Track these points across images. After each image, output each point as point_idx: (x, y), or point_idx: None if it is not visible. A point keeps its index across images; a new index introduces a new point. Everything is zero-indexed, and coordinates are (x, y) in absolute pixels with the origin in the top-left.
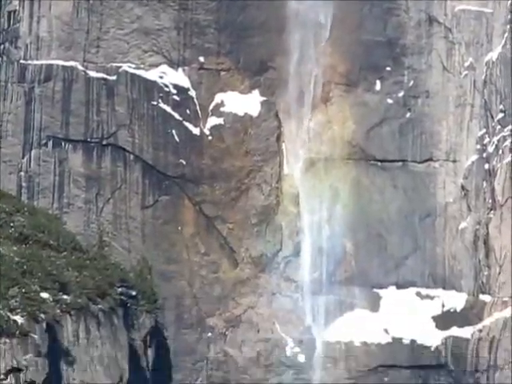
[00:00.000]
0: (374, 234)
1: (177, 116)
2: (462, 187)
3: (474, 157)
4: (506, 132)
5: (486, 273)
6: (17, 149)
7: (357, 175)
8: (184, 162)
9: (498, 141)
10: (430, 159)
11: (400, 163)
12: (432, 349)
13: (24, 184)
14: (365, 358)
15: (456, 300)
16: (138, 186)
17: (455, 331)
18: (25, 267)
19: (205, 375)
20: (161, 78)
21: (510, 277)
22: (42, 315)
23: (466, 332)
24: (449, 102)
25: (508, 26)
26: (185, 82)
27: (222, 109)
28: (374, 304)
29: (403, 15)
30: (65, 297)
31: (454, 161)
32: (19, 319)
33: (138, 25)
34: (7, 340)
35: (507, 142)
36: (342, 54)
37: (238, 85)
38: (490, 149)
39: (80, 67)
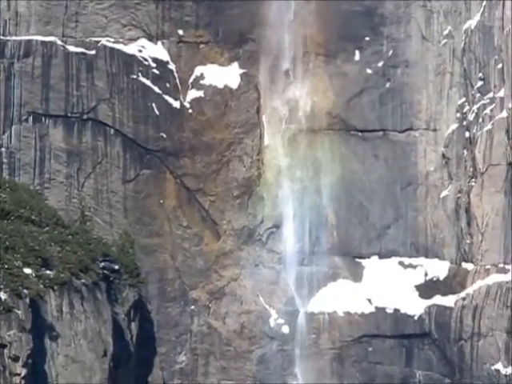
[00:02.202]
0: (356, 204)
1: (157, 89)
2: (443, 156)
3: (455, 125)
4: (485, 100)
5: (468, 241)
6: None
7: (338, 146)
8: (165, 136)
9: (478, 109)
10: (411, 128)
11: (380, 133)
12: (415, 318)
13: (5, 160)
14: (348, 328)
15: (439, 268)
16: (119, 161)
17: (438, 300)
18: (7, 243)
19: (189, 348)
20: (140, 51)
21: (492, 244)
22: (25, 291)
23: (449, 300)
24: (428, 70)
25: None
26: (164, 56)
27: (201, 82)
28: (357, 274)
29: None
30: (48, 272)
31: (435, 130)
32: (2, 295)
33: None
34: None
35: (487, 110)
36: (320, 24)
37: (218, 57)
38: (470, 117)
39: (59, 42)
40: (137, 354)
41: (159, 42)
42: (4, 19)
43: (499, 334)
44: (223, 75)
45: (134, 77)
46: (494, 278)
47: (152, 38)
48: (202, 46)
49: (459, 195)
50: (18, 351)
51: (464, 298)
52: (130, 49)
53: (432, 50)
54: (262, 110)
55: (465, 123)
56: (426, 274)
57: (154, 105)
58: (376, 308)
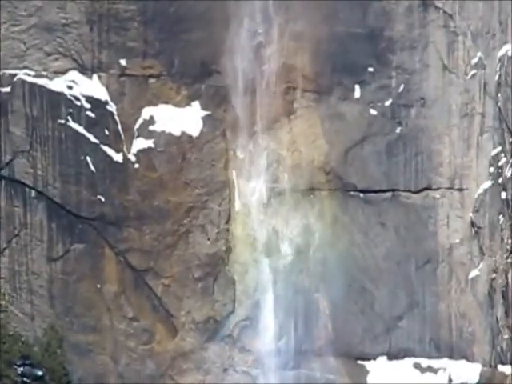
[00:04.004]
0: (357, 288)
1: (92, 138)
2: (472, 224)
3: (487, 183)
4: None
5: (506, 336)
6: None
7: (332, 211)
8: (103, 199)
9: None
10: (429, 188)
11: (389, 194)
12: None
13: None
14: None
15: (467, 373)
16: (42, 232)
17: None
18: None
19: None
20: (70, 88)
21: None
22: None
23: None
24: (451, 111)
25: None
26: (101, 94)
27: (151, 127)
28: (359, 381)
29: None
30: None
31: (461, 189)
32: None
33: (38, 19)
34: None
35: None
36: (308, 51)
37: (173, 95)
38: (508, 172)
39: None
40: None
41: (95, 76)
42: None
43: None
44: (180, 119)
45: (62, 122)
46: None
47: (85, 71)
48: (151, 80)
49: (494, 275)
50: None
51: None
52: (57, 85)
53: (456, 83)
54: (232, 164)
55: (501, 181)
56: (450, 380)
57: (88, 158)
58: None
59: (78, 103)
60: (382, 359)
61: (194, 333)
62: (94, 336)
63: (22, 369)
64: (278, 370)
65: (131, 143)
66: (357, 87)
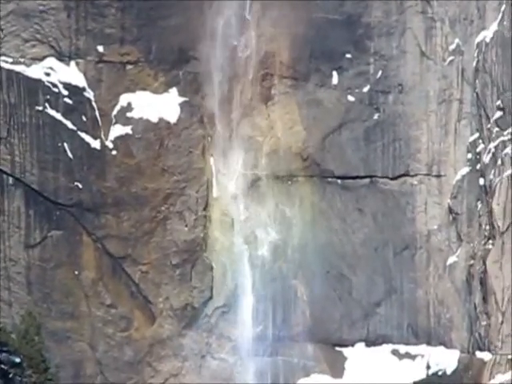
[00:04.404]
0: (335, 274)
1: (70, 125)
2: (450, 210)
3: (465, 169)
4: (505, 136)
5: (484, 322)
6: None
7: (310, 197)
8: (80, 186)
9: (496, 148)
10: (407, 174)
11: (367, 180)
12: None
13: None
14: None
15: (445, 359)
16: (19, 219)
17: None
18: None
19: None
20: (47, 75)
21: None
22: None
23: None
24: (429, 97)
25: None
26: (79, 80)
27: (129, 114)
28: (337, 367)
29: None
30: None
31: (439, 175)
32: None
33: (15, 5)
34: None
35: (508, 150)
36: (286, 37)
37: (150, 82)
38: (486, 158)
39: None
40: None
41: (72, 63)
42: None
43: None
44: (158, 105)
45: (40, 108)
46: None
47: (63, 57)
48: (129, 66)
49: (472, 262)
50: None
51: None
52: (34, 71)
53: (434, 70)
54: (210, 150)
55: (479, 167)
56: (428, 367)
57: (65, 145)
58: None
59: (56, 90)
60: (360, 345)
61: (171, 319)
62: (71, 323)
63: None
64: (256, 356)
65: (109, 130)
66: (334, 73)
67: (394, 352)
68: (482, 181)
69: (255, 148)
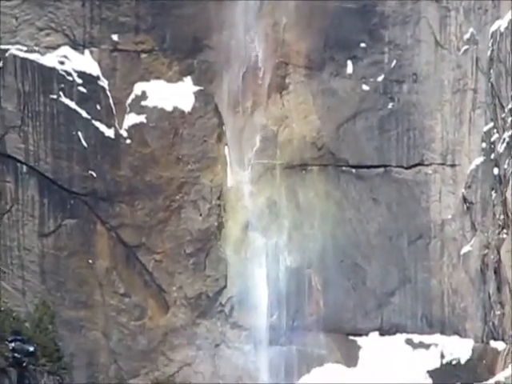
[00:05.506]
0: (349, 264)
1: (84, 113)
2: (464, 199)
3: (480, 159)
4: None
5: (498, 312)
6: None
7: (324, 186)
8: (94, 175)
9: (511, 137)
10: (421, 163)
11: (381, 169)
12: None
13: None
14: None
15: (459, 348)
16: (33, 208)
17: None
18: None
19: None
20: (61, 63)
21: None
22: None
23: None
24: (444, 87)
25: None
26: (93, 69)
27: (143, 103)
28: (351, 356)
29: None
30: None
31: (453, 165)
32: None
33: None
34: None
35: None
36: (300, 26)
37: (165, 71)
38: (500, 148)
39: None
40: None
41: (87, 51)
42: None
43: None
44: (172, 94)
45: (54, 97)
46: None
47: (77, 46)
48: (143, 55)
49: (486, 251)
50: None
51: None
52: (49, 60)
53: (449, 59)
54: (224, 139)
55: (493, 156)
56: (442, 356)
57: (80, 134)
58: None
59: (70, 78)
60: (374, 335)
61: (185, 308)
62: (85, 312)
63: (13, 344)
64: (270, 345)
65: (123, 118)
66: (349, 63)
67: (408, 341)
68: (496, 170)
69: (269, 137)
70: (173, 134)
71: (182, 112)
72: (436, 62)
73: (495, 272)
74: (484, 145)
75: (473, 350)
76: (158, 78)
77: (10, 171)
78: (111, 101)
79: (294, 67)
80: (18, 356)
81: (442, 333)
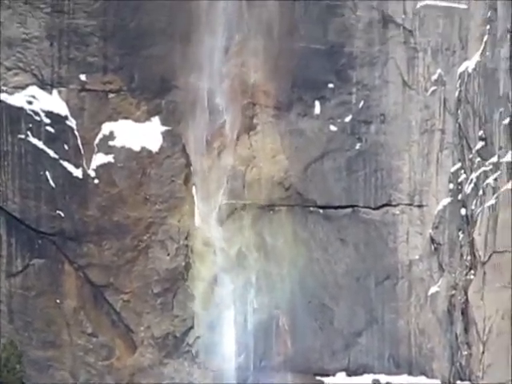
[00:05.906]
0: (317, 304)
1: (52, 153)
2: (432, 240)
3: (447, 200)
4: (487, 166)
5: (465, 352)
6: None
7: (292, 227)
8: (62, 214)
9: (478, 178)
10: (388, 204)
11: (349, 210)
12: None
13: None
14: None
15: None
16: (1, 247)
17: None
18: None
19: None
20: (29, 103)
21: (497, 357)
22: None
23: None
24: (411, 127)
25: (487, 27)
26: (61, 109)
27: (111, 142)
28: None
29: (349, 15)
30: None
31: (420, 205)
32: None
33: None
34: None
35: (490, 180)
36: (268, 67)
37: (133, 110)
38: (468, 189)
39: None
40: None
41: (55, 91)
42: None
43: None
44: (140, 134)
45: (22, 137)
46: None
47: (45, 86)
48: (111, 95)
49: (453, 292)
50: None
51: None
52: (17, 100)
53: (416, 100)
54: (192, 179)
55: (460, 197)
56: None
57: (47, 174)
58: None
59: (38, 118)
60: (341, 375)
61: (153, 348)
62: (53, 351)
63: None
64: None
65: (91, 158)
66: (317, 103)
67: (375, 382)
68: (463, 211)
69: (237, 177)
70: (140, 174)
71: (150, 152)
72: (404, 103)
73: (462, 313)
74: (451, 185)
75: None
76: (126, 117)
77: None
78: (79, 141)
79: (262, 107)
80: None
81: (410, 373)
